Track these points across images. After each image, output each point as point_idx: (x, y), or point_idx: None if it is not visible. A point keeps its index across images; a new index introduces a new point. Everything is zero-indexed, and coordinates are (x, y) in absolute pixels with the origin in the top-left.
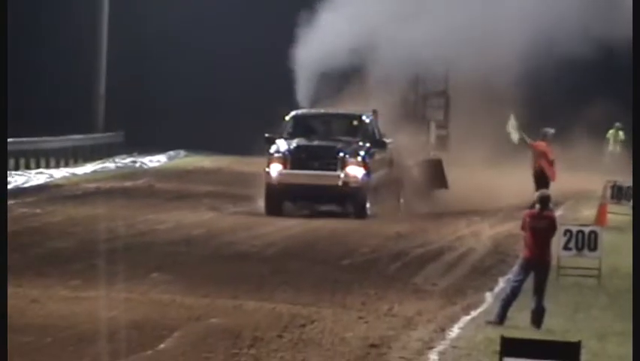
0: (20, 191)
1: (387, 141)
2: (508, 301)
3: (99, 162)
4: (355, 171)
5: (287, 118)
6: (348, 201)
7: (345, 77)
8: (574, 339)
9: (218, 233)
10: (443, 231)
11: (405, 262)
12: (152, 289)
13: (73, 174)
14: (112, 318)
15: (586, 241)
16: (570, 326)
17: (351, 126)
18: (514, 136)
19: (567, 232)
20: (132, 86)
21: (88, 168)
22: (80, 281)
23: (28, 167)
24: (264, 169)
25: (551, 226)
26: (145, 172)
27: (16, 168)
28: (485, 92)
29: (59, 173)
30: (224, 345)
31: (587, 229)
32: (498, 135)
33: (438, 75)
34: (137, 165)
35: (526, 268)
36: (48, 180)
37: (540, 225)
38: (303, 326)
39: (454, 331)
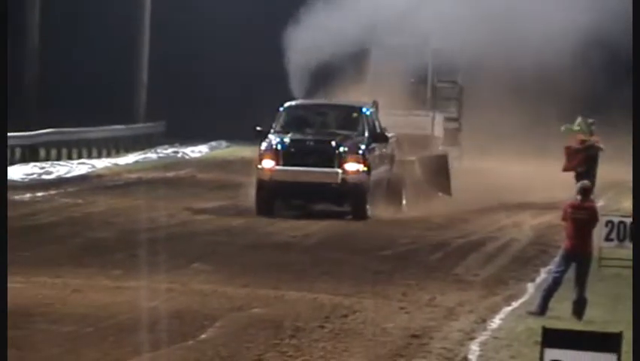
0: (62, 181)
1: (389, 135)
2: (549, 292)
3: (141, 152)
4: (355, 167)
5: (280, 110)
6: (347, 200)
7: (348, 64)
8: (615, 330)
9: (258, 224)
10: (484, 221)
11: (446, 252)
12: (193, 279)
13: (115, 165)
14: (153, 308)
15: (627, 232)
16: (611, 317)
17: (350, 119)
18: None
19: (608, 223)
20: (174, 76)
21: (130, 158)
22: (121, 271)
23: (70, 157)
24: (256, 165)
25: (592, 216)
26: (187, 162)
27: (59, 159)
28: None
29: (101, 163)
30: (265, 335)
31: (628, 220)
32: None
33: (450, 64)
34: (179, 155)
35: (567, 259)
36: (90, 170)
37: (581, 216)
38: (345, 316)
39: (496, 321)
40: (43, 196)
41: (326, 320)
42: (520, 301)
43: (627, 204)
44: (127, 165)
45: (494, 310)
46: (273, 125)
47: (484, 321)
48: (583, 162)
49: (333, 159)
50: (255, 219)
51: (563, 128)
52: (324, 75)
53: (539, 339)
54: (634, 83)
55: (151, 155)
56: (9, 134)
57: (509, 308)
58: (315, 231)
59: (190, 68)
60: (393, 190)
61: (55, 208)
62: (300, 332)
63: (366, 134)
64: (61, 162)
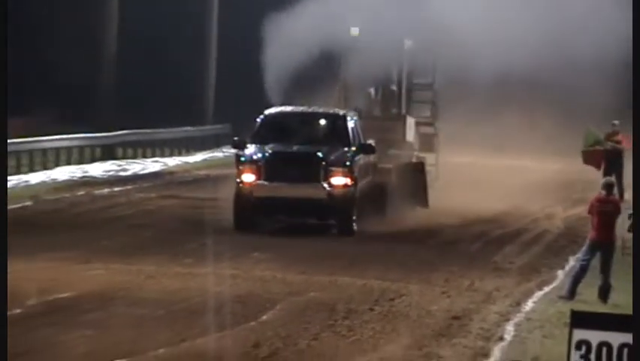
0: (137, 177)
1: (374, 145)
2: (577, 278)
3: (208, 151)
4: (342, 181)
5: (258, 119)
6: (333, 215)
7: (321, 69)
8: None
9: None
10: (519, 214)
11: (485, 242)
12: (256, 267)
13: (185, 162)
14: (219, 293)
15: None
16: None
17: (334, 128)
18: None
19: (631, 215)
20: (239, 79)
21: (198, 157)
22: (192, 259)
23: (144, 156)
24: (236, 179)
25: (616, 209)
26: None
27: (134, 157)
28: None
29: (173, 161)
30: (320, 317)
31: None
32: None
33: (425, 67)
34: None
35: (593, 248)
36: (162, 167)
37: (606, 208)
38: (392, 299)
39: (529, 305)
40: (120, 191)
41: (375, 303)
42: (551, 286)
43: None
44: (195, 163)
45: (528, 295)
46: (252, 135)
47: (518, 304)
48: (606, 163)
49: (319, 173)
50: None
51: (583, 149)
52: (298, 81)
53: (568, 321)
54: (634, 83)
55: (217, 154)
56: (91, 135)
57: (541, 293)
58: None
59: (254, 72)
60: (376, 200)
61: (131, 202)
62: (352, 314)
63: (352, 144)
64: (136, 160)
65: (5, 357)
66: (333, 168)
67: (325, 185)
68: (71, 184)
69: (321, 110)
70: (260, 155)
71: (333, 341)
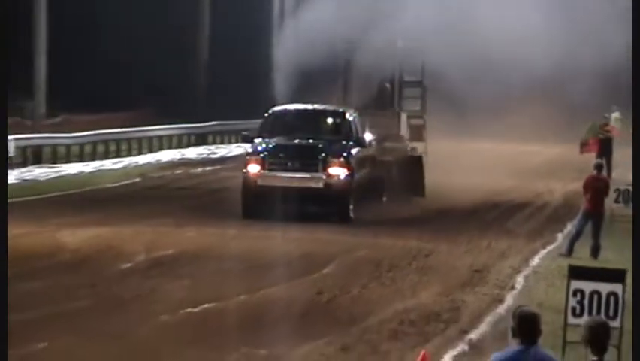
0: (224, 159)
1: (370, 138)
2: (574, 240)
3: None
4: (338, 171)
5: (266, 115)
6: (331, 203)
7: (324, 70)
8: (622, 267)
9: None
10: (526, 189)
11: (499, 211)
12: (317, 230)
13: None
14: (288, 251)
15: (630, 197)
16: (619, 258)
17: (334, 124)
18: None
19: (617, 190)
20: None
21: None
22: (266, 224)
23: (230, 142)
24: (242, 170)
25: (605, 186)
26: None
27: (222, 143)
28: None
29: None
30: (369, 270)
31: (631, 188)
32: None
33: (415, 66)
34: None
35: (586, 216)
36: (243, 151)
37: (597, 185)
38: (427, 256)
39: (535, 261)
40: (210, 170)
41: (413, 259)
42: (552, 246)
43: (631, 176)
44: None
45: (534, 253)
46: (260, 130)
47: (526, 260)
48: (599, 148)
49: (318, 164)
50: None
51: (583, 138)
52: (302, 79)
53: (567, 273)
54: (634, 83)
55: None
56: (187, 125)
57: (545, 251)
58: None
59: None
60: (374, 191)
61: (219, 179)
62: (394, 268)
63: (350, 138)
64: (223, 146)
65: (5, 357)
66: (331, 160)
67: (323, 175)
68: (171, 165)
69: (322, 107)
70: (264, 147)
71: (378, 290)
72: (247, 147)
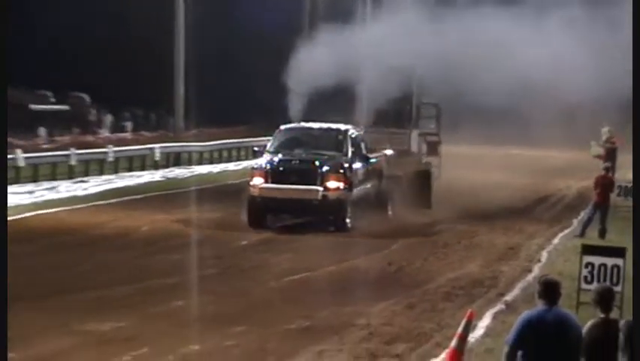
0: None
1: (372, 156)
2: (585, 225)
3: None
4: (335, 185)
5: (276, 131)
6: (328, 214)
7: (343, 91)
8: (622, 246)
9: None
10: (547, 186)
11: (525, 203)
12: (396, 219)
13: None
14: (368, 232)
15: (630, 191)
16: (621, 238)
17: (336, 140)
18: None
19: (619, 186)
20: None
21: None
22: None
23: None
24: (248, 182)
25: (611, 183)
26: None
27: None
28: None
29: None
30: (428, 247)
31: (630, 185)
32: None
33: (430, 89)
34: None
35: (595, 207)
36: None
37: (605, 182)
38: (472, 237)
39: (556, 240)
40: None
41: (461, 238)
42: (569, 229)
43: (630, 175)
44: None
45: (555, 234)
46: (268, 146)
47: (549, 240)
48: (607, 156)
49: (316, 178)
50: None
51: (592, 154)
52: (319, 99)
53: (580, 250)
54: (634, 83)
55: None
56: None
57: (563, 233)
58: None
59: None
60: (379, 203)
61: None
62: (447, 246)
63: (350, 154)
64: None
65: (5, 357)
66: (328, 174)
67: (320, 188)
68: None
69: (327, 125)
70: (267, 162)
71: (435, 262)
72: (255, 161)
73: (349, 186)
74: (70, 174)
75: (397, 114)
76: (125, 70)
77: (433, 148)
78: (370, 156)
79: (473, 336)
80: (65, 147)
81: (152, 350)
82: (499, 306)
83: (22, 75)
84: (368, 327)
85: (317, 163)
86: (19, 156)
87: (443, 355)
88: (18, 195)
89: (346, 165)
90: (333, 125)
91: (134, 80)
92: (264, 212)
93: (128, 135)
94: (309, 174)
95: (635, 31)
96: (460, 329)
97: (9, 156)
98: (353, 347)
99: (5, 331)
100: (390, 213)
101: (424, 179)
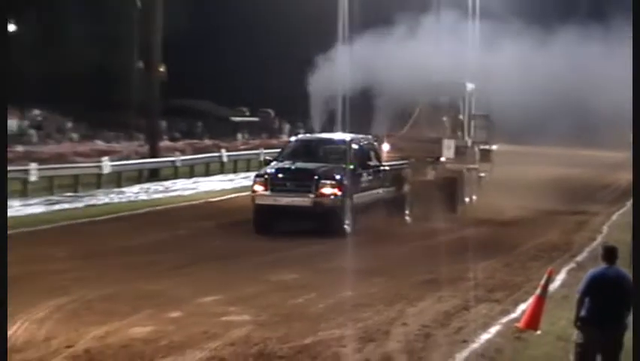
0: None
1: (386, 163)
2: None
3: None
4: (329, 191)
5: (288, 142)
6: (324, 219)
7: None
8: None
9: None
10: (606, 178)
11: (588, 190)
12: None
13: None
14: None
15: None
16: None
17: (340, 151)
18: None
19: None
20: None
21: None
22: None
23: None
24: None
25: None
26: None
27: None
28: None
29: None
30: (520, 222)
31: None
32: None
33: (482, 101)
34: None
35: None
36: None
37: None
38: (552, 215)
39: (614, 217)
40: None
41: (543, 216)
42: (623, 210)
43: None
44: None
45: (613, 213)
46: (277, 156)
47: (609, 217)
48: None
49: (310, 186)
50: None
51: None
52: (383, 109)
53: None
54: (634, 83)
55: None
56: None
57: (619, 212)
58: None
59: None
60: (395, 207)
61: None
62: (534, 221)
63: (354, 163)
64: None
65: (5, 357)
66: (322, 181)
67: (313, 195)
68: None
69: (332, 136)
70: (269, 170)
71: (524, 231)
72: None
73: (345, 193)
74: (260, 168)
75: (452, 124)
76: (298, 90)
77: (486, 156)
78: (381, 163)
79: (553, 287)
80: (256, 148)
81: (319, 294)
82: (572, 265)
83: (226, 95)
84: (475, 279)
85: (312, 171)
86: (224, 154)
87: (530, 300)
88: (222, 182)
89: (342, 173)
90: (337, 137)
91: (305, 98)
92: (265, 218)
93: None
94: (303, 182)
95: (635, 31)
96: (542, 281)
97: (215, 154)
98: (463, 294)
99: (5, 330)
100: (408, 217)
101: (450, 185)
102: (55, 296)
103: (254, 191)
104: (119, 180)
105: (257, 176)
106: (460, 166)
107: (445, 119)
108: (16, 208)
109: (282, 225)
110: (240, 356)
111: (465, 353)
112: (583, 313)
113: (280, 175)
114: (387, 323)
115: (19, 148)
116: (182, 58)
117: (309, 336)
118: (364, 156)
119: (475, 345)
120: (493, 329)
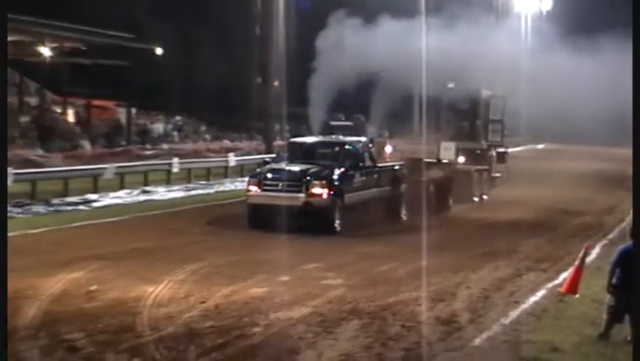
0: None
1: (380, 164)
2: None
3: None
4: (319, 191)
5: (286, 144)
6: (314, 218)
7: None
8: None
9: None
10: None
11: (616, 181)
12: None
13: None
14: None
15: None
16: None
17: (333, 152)
18: None
19: None
20: None
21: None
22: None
23: None
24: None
25: None
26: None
27: None
28: None
29: None
30: (560, 208)
31: None
32: None
33: (497, 106)
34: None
35: None
36: None
37: None
38: (585, 200)
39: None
40: None
41: (578, 201)
42: None
43: None
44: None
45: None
46: (274, 157)
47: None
48: None
49: (301, 185)
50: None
51: None
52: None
53: None
54: (633, 82)
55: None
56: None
57: None
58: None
59: None
60: (390, 207)
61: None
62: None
63: (345, 164)
64: None
65: (5, 357)
66: (312, 182)
67: (302, 195)
68: None
69: (326, 139)
70: (263, 171)
71: (564, 216)
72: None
73: (335, 193)
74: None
75: (464, 128)
76: (386, 99)
77: (501, 157)
78: (375, 165)
79: (589, 259)
80: None
81: (400, 263)
82: (604, 242)
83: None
84: (524, 253)
85: (302, 172)
86: None
87: (570, 269)
88: None
89: (333, 174)
90: (333, 139)
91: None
92: (258, 216)
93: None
94: (294, 182)
95: (635, 31)
96: (581, 255)
97: None
98: (516, 264)
99: (5, 327)
100: (403, 215)
101: (445, 185)
102: (193, 262)
103: (248, 190)
104: (241, 171)
105: (251, 176)
106: (468, 167)
107: (463, 123)
108: (161, 193)
109: (275, 223)
110: (336, 312)
111: (517, 312)
112: (614, 281)
113: (273, 176)
114: (453, 286)
115: (165, 146)
116: (296, 73)
117: (392, 296)
118: (358, 157)
119: (525, 305)
120: (540, 293)
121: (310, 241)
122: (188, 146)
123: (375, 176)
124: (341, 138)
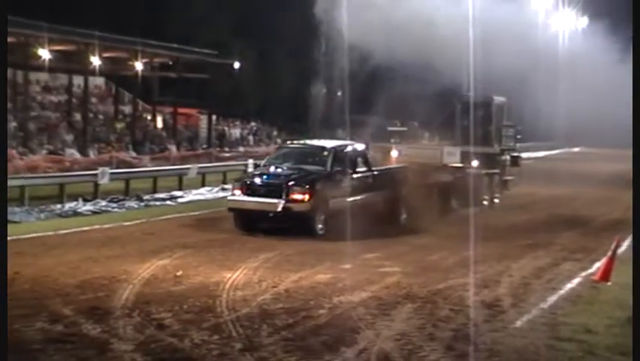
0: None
1: (372, 169)
2: None
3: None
4: (299, 197)
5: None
6: (294, 223)
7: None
8: None
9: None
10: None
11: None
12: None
13: None
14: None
15: None
16: None
17: (322, 157)
18: None
19: None
20: None
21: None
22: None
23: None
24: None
25: None
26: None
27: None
28: None
29: None
30: (588, 205)
31: None
32: None
33: (511, 112)
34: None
35: None
36: None
37: None
38: (613, 198)
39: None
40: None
41: (599, 198)
42: None
43: None
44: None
45: None
46: (264, 161)
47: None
48: None
49: (281, 191)
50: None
51: None
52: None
53: None
54: (634, 82)
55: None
56: None
57: None
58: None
59: None
60: (388, 209)
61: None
62: (604, 201)
63: (333, 169)
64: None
65: (5, 357)
66: (293, 187)
67: (281, 201)
68: None
69: (316, 143)
70: (246, 177)
71: (595, 211)
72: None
73: (317, 198)
74: None
75: (479, 133)
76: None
77: (515, 161)
78: (370, 169)
79: (620, 250)
80: None
81: (447, 253)
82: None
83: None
84: (561, 244)
85: (283, 177)
86: None
87: (603, 259)
88: None
89: (316, 179)
90: (322, 143)
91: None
92: (242, 220)
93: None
94: (274, 188)
95: (635, 31)
96: (612, 246)
97: None
98: (553, 254)
99: (5, 331)
100: (403, 218)
101: (445, 189)
102: (265, 251)
103: (232, 194)
104: None
105: (236, 181)
106: (478, 170)
107: (477, 129)
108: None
109: (260, 225)
110: (392, 296)
111: (554, 297)
112: None
113: (256, 180)
114: (497, 274)
115: (241, 149)
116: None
117: (442, 283)
118: (347, 162)
119: (562, 292)
120: (575, 280)
121: (373, 233)
122: (262, 149)
123: (371, 180)
124: (331, 142)
